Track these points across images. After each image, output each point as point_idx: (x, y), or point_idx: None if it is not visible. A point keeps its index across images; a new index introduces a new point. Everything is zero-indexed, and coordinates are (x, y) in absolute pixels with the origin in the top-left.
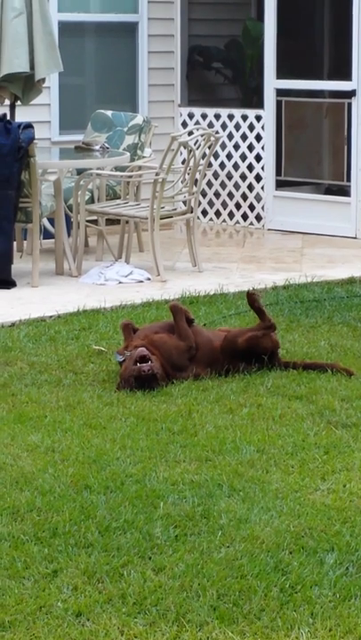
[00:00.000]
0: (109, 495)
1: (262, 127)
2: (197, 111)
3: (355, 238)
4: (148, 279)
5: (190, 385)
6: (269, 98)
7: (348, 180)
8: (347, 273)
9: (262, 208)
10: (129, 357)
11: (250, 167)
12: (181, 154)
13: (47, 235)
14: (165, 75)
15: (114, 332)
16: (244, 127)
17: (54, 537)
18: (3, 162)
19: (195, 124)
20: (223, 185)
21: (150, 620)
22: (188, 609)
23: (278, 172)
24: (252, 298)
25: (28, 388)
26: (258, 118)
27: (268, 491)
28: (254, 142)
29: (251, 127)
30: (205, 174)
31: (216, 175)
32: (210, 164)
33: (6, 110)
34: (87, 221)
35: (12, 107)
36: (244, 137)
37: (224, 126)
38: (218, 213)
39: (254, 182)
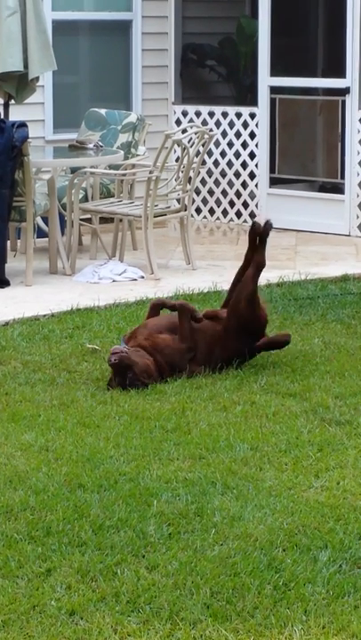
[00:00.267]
0: (103, 494)
1: (256, 125)
2: (191, 109)
3: (348, 236)
4: (142, 277)
5: (184, 383)
6: (263, 95)
7: (342, 177)
8: (340, 270)
9: (256, 205)
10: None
11: (244, 165)
12: (175, 152)
13: (41, 233)
14: (159, 72)
15: (107, 331)
16: (238, 125)
17: (48, 536)
18: None
19: (189, 121)
20: (217, 183)
21: (144, 618)
22: (182, 607)
23: (272, 170)
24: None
25: (21, 386)
26: (252, 116)
27: (262, 488)
28: (248, 140)
29: (245, 125)
30: (199, 172)
31: (210, 173)
32: (204, 162)
33: (0, 109)
34: (81, 220)
35: (6, 105)
36: (238, 134)
37: (218, 124)
38: (212, 211)
39: (248, 180)
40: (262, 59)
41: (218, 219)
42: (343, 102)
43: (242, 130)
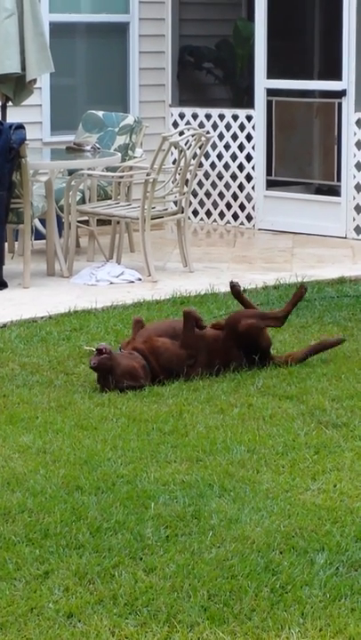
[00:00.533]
0: (100, 496)
1: (253, 127)
2: (188, 111)
3: (345, 238)
4: (139, 279)
5: (181, 385)
6: (260, 98)
7: (339, 179)
8: (337, 273)
9: (253, 208)
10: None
11: (240, 167)
12: (172, 154)
13: (38, 235)
14: (156, 75)
15: (105, 333)
16: (235, 127)
17: (45, 538)
18: None
19: (186, 124)
20: (214, 185)
21: (141, 620)
22: (179, 609)
23: (269, 172)
24: (234, 289)
25: (19, 389)
26: (249, 118)
27: (259, 491)
28: (245, 142)
29: (241, 127)
30: (196, 174)
31: (207, 175)
32: (201, 164)
33: None
34: (78, 222)
35: (4, 107)
36: (234, 137)
37: (215, 126)
38: (209, 213)
39: (245, 182)
40: (259, 61)
41: (215, 221)
42: (340, 105)
43: (239, 132)
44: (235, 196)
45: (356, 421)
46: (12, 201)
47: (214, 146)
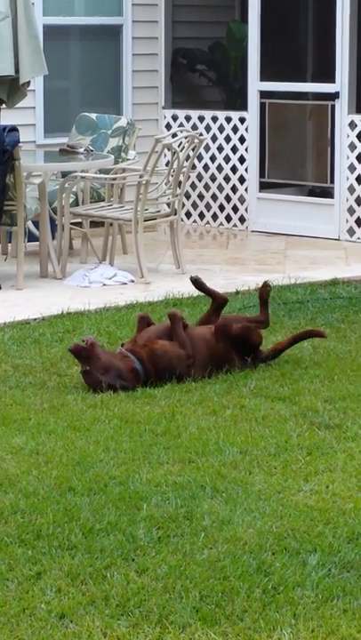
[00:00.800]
0: (93, 497)
1: (246, 129)
2: (181, 113)
3: (338, 240)
4: (132, 281)
5: (173, 387)
6: (253, 100)
7: (332, 181)
8: (330, 274)
9: (246, 210)
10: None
11: (233, 169)
12: (165, 156)
13: (32, 237)
14: (149, 77)
15: (98, 335)
16: (228, 129)
17: (38, 539)
18: None
19: (179, 126)
20: (207, 187)
21: (133, 621)
22: (171, 610)
23: (262, 174)
24: (197, 283)
25: (12, 390)
26: (242, 120)
27: (251, 492)
28: (238, 144)
29: (235, 129)
30: (189, 176)
31: (200, 177)
32: (194, 166)
33: None
34: (71, 224)
35: None
36: (227, 139)
37: (208, 128)
38: (202, 215)
39: (238, 184)
40: (252, 63)
41: (208, 223)
42: (333, 107)
43: (232, 134)
44: (228, 198)
45: (349, 423)
46: (5, 203)
47: (207, 148)
